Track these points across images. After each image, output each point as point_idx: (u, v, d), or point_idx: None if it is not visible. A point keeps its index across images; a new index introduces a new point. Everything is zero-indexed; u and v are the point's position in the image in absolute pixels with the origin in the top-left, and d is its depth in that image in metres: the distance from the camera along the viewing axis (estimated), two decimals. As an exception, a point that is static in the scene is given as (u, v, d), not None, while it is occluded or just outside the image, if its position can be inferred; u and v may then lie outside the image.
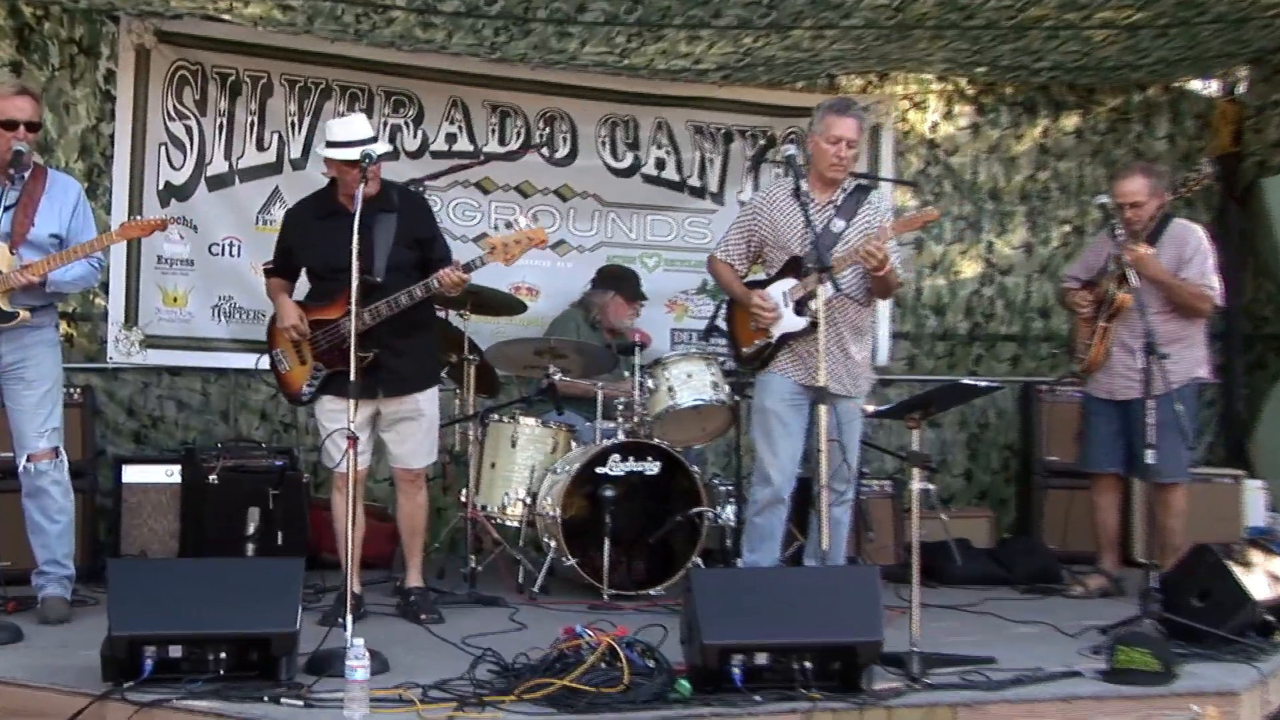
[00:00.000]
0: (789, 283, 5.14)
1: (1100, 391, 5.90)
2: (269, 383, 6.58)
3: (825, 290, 4.74)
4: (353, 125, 4.97)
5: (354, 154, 4.71)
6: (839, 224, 5.10)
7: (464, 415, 6.09)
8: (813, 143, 5.12)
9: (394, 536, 5.51)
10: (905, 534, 6.23)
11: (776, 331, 5.15)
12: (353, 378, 4.34)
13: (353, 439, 4.29)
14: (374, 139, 4.90)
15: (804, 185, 4.94)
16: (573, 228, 7.22)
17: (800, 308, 5.07)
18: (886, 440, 6.96)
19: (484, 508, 5.92)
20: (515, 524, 5.95)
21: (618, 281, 6.76)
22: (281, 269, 5.19)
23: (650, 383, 5.86)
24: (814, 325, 4.88)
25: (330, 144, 4.92)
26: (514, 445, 5.97)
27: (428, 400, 5.13)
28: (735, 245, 5.34)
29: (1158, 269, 5.62)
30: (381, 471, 5.43)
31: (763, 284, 5.23)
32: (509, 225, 5.73)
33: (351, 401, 4.31)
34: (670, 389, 5.78)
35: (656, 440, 5.79)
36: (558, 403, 6.03)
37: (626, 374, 6.20)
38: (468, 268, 4.90)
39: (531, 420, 6.06)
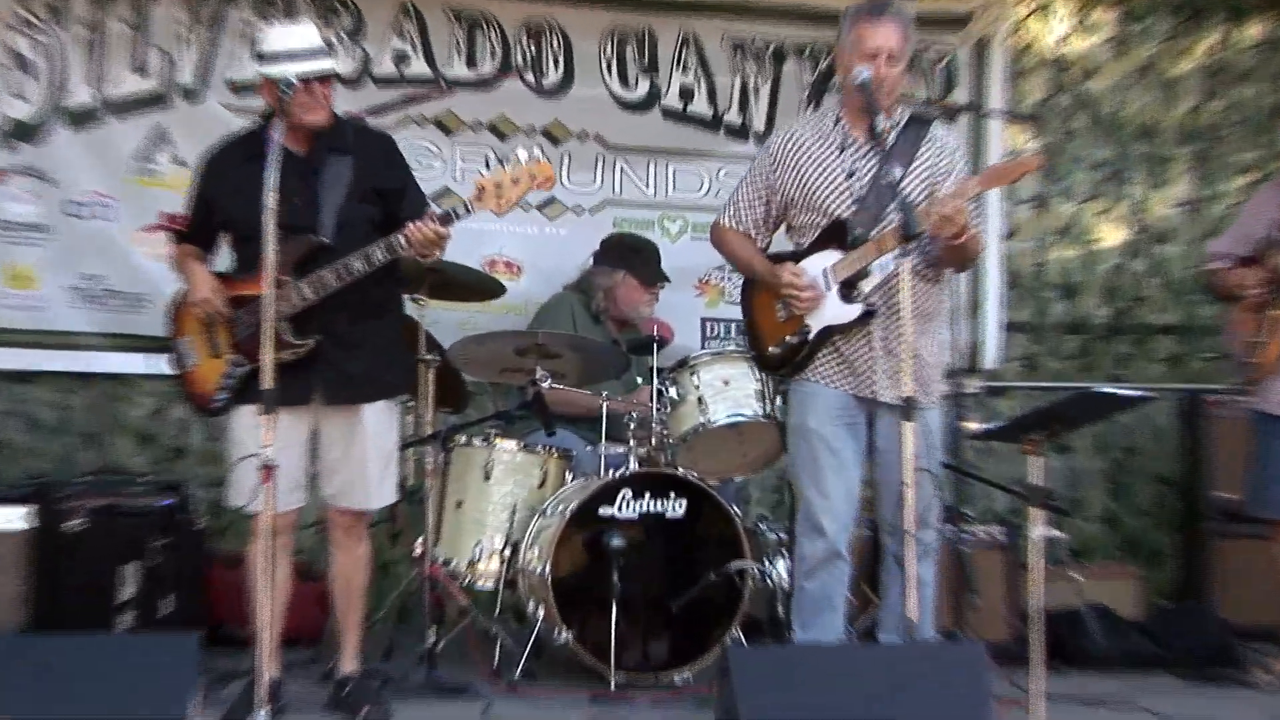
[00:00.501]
0: (831, 256, 5.05)
1: (1277, 407, 5.89)
2: (153, 393, 6.62)
3: (887, 266, 4.67)
4: (295, 34, 5.02)
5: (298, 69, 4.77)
6: (894, 171, 5.03)
7: (420, 436, 6.09)
8: (842, 62, 5.10)
9: (325, 602, 5.53)
10: (1022, 598, 6.24)
11: (816, 324, 5.10)
12: (267, 382, 4.34)
13: (268, 467, 4.30)
14: (322, 52, 4.96)
15: (877, 123, 4.84)
16: (568, 181, 7.22)
17: (849, 291, 5.03)
18: (996, 470, 6.93)
19: (447, 563, 5.93)
20: (489, 585, 5.96)
21: (630, 256, 6.75)
22: (196, 233, 5.19)
23: (674, 392, 5.86)
24: (869, 314, 4.89)
25: (262, 57, 4.93)
26: (487, 477, 6.00)
27: (380, 414, 5.13)
28: (749, 207, 5.30)
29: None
30: (309, 513, 5.45)
31: (792, 260, 5.17)
32: (501, 161, 5.64)
33: (266, 416, 4.30)
34: (700, 401, 5.79)
35: (682, 471, 5.81)
36: (547, 419, 6.00)
37: (641, 380, 6.23)
38: (445, 219, 4.85)
39: (511, 443, 6.09)
